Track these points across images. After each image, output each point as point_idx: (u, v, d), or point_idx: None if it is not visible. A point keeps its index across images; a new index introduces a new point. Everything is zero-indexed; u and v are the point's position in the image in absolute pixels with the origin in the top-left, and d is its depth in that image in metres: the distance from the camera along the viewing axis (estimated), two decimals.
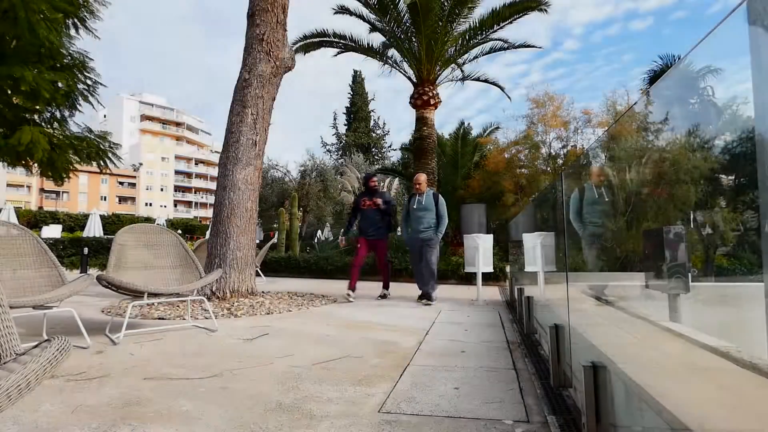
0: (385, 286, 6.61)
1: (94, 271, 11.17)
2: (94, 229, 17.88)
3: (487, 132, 19.12)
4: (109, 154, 9.26)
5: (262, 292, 6.52)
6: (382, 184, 21.39)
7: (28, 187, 59.60)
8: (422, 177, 6.24)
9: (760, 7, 0.81)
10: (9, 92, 7.72)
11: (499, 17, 11.93)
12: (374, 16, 12.46)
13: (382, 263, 6.54)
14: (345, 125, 29.63)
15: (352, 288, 6.27)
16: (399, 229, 7.88)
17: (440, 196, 6.14)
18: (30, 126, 7.87)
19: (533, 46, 13.37)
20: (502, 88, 14.46)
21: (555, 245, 2.87)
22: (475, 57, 13.31)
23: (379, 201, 6.42)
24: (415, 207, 6.10)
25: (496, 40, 12.83)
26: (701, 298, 1.44)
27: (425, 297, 5.98)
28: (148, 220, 34.45)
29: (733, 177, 1.18)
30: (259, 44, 6.13)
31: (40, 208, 43.66)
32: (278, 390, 2.32)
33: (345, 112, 30.59)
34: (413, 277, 6.52)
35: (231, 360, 2.92)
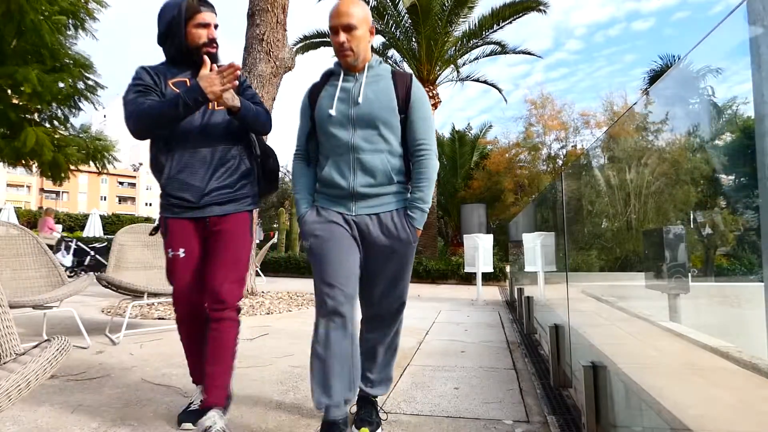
0: (219, 398, 1.81)
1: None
2: (94, 229, 17.88)
3: (483, 131, 19.20)
4: (107, 155, 9.27)
5: (262, 292, 6.52)
6: None
7: (28, 187, 59.62)
8: (350, 4, 1.74)
9: (760, 7, 0.81)
10: (9, 92, 7.72)
11: (498, 17, 11.97)
12: (371, 19, 12.52)
13: (231, 296, 1.89)
14: None
15: (196, 379, 2.04)
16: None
17: (414, 79, 1.86)
18: (32, 127, 7.87)
19: (532, 54, 13.45)
20: (499, 90, 14.54)
21: (555, 245, 2.87)
22: (476, 58, 13.39)
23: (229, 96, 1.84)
24: (333, 114, 1.76)
25: (496, 43, 12.90)
26: (701, 298, 1.44)
27: (366, 421, 1.82)
28: (148, 220, 34.43)
29: (733, 177, 1.18)
30: (259, 44, 6.13)
31: (40, 208, 43.63)
32: (278, 390, 2.32)
33: None
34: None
35: None
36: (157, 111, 1.80)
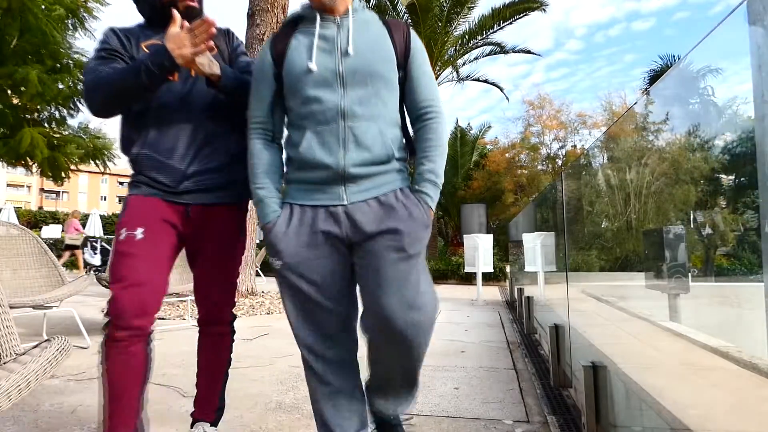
0: (208, 414, 1.66)
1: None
2: (94, 229, 17.88)
3: (483, 131, 19.27)
4: (106, 153, 9.28)
5: (262, 292, 6.52)
6: None
7: (28, 187, 59.61)
8: None
9: (760, 7, 0.81)
10: (9, 93, 7.72)
11: (499, 17, 11.99)
12: None
13: (221, 308, 1.68)
14: None
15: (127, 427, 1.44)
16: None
17: (411, 30, 1.41)
18: (30, 127, 7.88)
19: (531, 52, 13.49)
20: (501, 89, 14.57)
21: (555, 245, 2.87)
22: (476, 58, 13.41)
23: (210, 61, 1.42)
24: (314, 69, 1.30)
25: (495, 44, 12.93)
26: (701, 298, 1.44)
27: None
28: None
29: (733, 177, 1.19)
30: (259, 44, 6.13)
31: (40, 208, 43.64)
32: (278, 390, 2.32)
33: None
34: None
35: None
36: (118, 80, 1.37)
